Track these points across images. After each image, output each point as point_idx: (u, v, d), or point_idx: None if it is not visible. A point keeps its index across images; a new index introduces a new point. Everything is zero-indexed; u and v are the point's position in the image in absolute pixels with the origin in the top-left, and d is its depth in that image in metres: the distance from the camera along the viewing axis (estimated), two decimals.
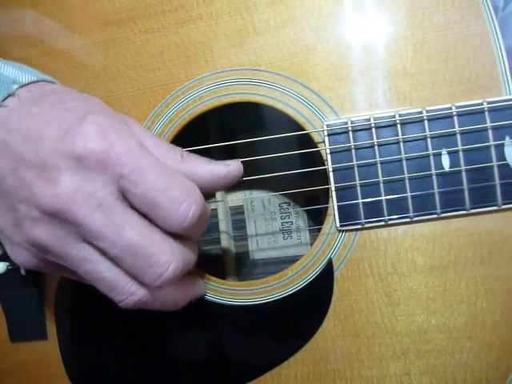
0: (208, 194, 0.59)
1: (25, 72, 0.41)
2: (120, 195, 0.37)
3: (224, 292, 0.49)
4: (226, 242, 0.60)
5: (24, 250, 0.40)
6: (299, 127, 0.47)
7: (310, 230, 0.60)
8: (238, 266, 0.61)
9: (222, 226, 0.60)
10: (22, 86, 0.40)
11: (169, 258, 0.38)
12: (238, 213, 0.62)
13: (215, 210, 0.60)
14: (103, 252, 0.37)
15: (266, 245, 0.61)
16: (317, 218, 0.59)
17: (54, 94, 0.40)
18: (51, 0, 0.52)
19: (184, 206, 0.37)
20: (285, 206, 0.61)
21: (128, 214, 0.37)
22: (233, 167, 0.43)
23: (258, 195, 0.61)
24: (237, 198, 0.62)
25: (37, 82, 0.41)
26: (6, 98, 0.39)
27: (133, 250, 0.37)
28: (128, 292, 0.39)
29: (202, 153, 0.49)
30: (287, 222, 0.61)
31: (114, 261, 0.38)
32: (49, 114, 0.37)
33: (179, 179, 0.38)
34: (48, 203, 0.35)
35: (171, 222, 0.38)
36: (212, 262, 0.61)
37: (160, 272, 0.38)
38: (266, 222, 0.61)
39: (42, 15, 0.52)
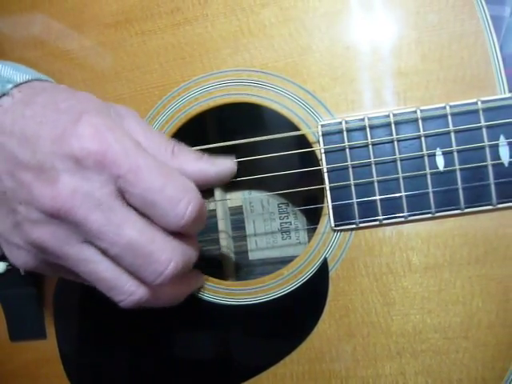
0: (206, 193, 0.59)
1: (20, 71, 0.41)
2: (119, 195, 0.37)
3: (220, 292, 0.49)
4: (224, 241, 0.60)
5: (24, 252, 0.40)
6: (295, 127, 0.48)
7: (308, 230, 0.60)
8: (237, 265, 0.61)
9: (221, 225, 0.60)
10: (16, 86, 0.40)
11: (169, 255, 0.38)
12: (237, 213, 0.62)
13: (214, 210, 0.60)
14: (103, 251, 0.38)
15: (264, 245, 0.61)
16: (315, 219, 0.59)
17: (46, 92, 0.40)
18: (50, 2, 0.52)
19: (181, 205, 0.38)
20: (283, 206, 0.61)
21: (127, 213, 0.37)
22: (223, 167, 0.43)
23: (257, 195, 0.61)
24: (236, 198, 0.62)
25: (31, 81, 0.41)
26: (0, 97, 0.39)
27: (133, 249, 0.37)
28: (128, 291, 0.39)
29: None
30: (286, 223, 0.61)
31: (114, 260, 0.38)
32: (43, 115, 0.38)
33: (176, 177, 0.39)
34: (47, 204, 0.36)
35: (169, 221, 0.38)
36: (211, 262, 0.61)
37: (161, 270, 0.38)
38: (265, 222, 0.61)
39: (41, 17, 0.53)
